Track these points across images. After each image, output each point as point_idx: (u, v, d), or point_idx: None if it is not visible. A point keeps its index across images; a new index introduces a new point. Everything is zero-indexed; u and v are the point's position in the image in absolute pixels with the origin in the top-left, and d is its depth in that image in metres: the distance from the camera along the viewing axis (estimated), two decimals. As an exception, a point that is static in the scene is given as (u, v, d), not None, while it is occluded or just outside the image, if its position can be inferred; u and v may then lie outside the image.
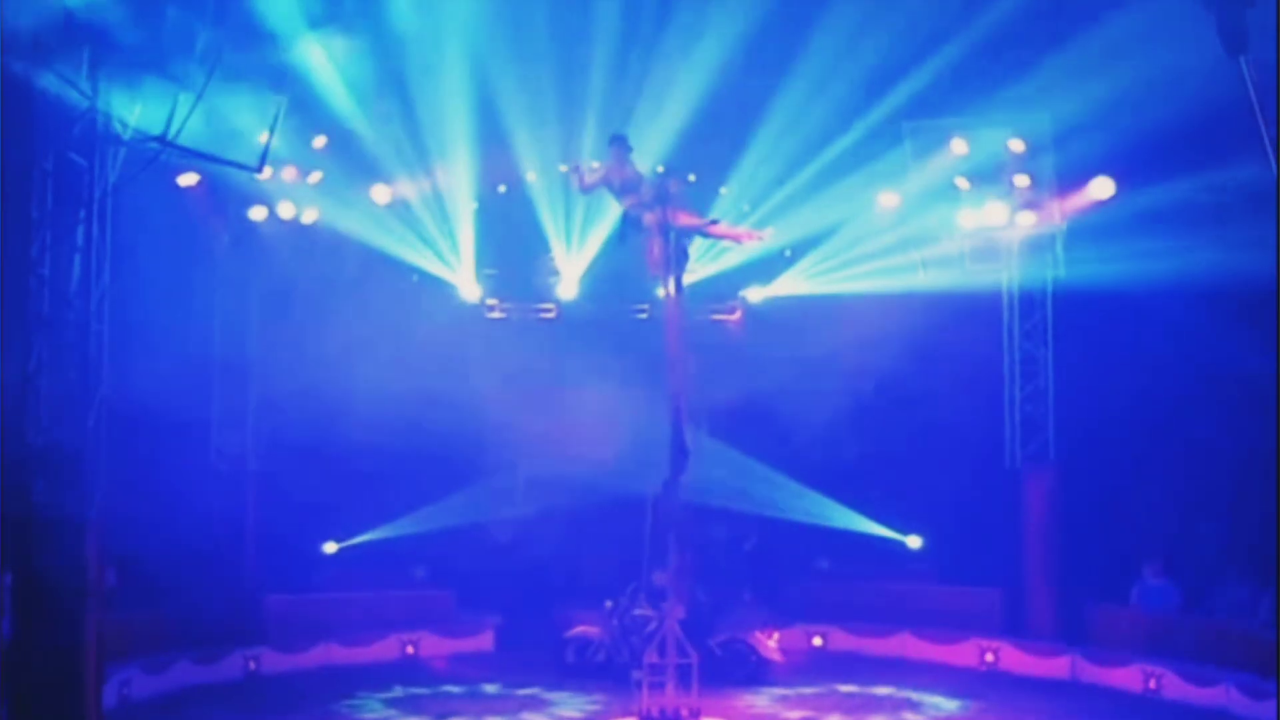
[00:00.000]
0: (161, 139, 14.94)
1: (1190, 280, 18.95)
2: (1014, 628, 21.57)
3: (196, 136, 15.49)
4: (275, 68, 15.88)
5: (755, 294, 23.57)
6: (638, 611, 19.46)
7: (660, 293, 17.90)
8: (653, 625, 18.27)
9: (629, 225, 16.55)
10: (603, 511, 22.21)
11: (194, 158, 16.48)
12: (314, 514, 22.25)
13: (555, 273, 23.16)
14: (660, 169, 16.39)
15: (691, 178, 20.45)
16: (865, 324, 22.08)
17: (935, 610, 22.28)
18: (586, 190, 17.50)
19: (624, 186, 16.67)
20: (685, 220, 16.54)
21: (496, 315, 23.60)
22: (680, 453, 16.90)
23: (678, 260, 16.44)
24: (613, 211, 18.32)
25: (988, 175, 21.16)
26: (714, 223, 17.05)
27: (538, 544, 23.09)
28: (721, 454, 22.53)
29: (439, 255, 22.51)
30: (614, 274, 21.77)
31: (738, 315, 23.75)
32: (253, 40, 15.73)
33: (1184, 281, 19.05)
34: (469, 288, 23.08)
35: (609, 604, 20.03)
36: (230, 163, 16.37)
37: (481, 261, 22.95)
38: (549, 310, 23.61)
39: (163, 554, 19.65)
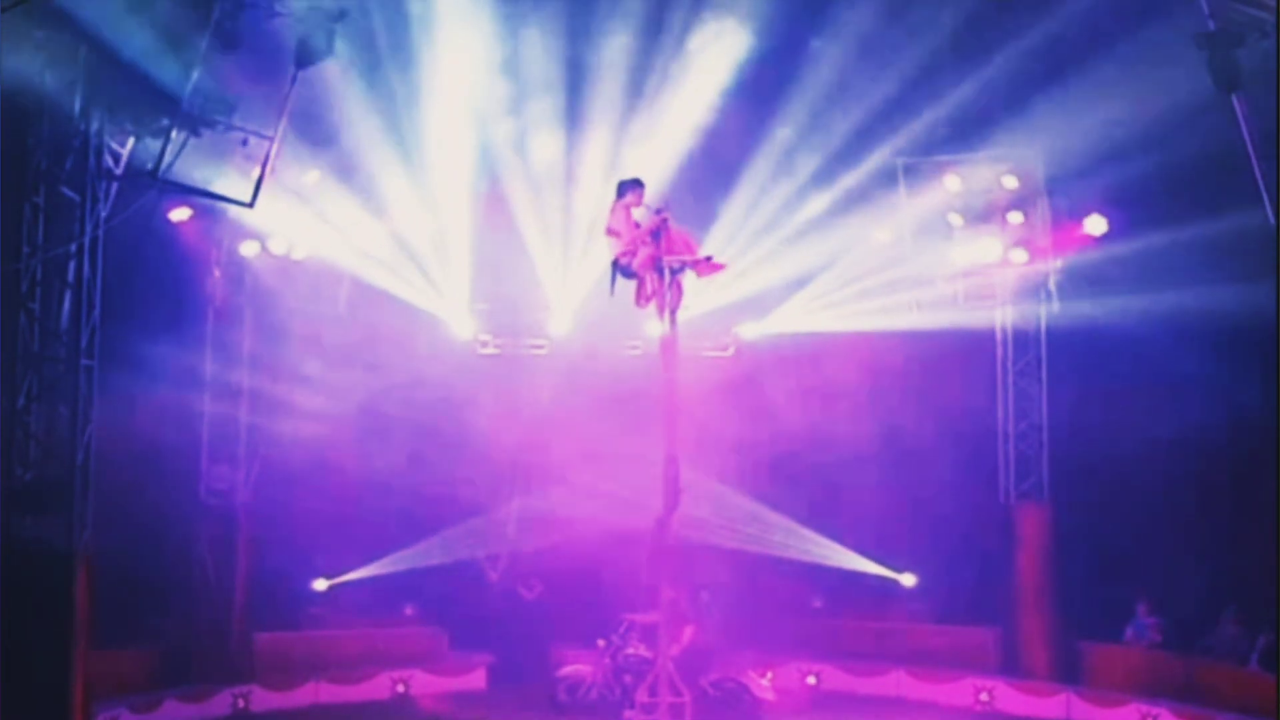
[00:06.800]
0: (154, 174, 14.95)
1: (1184, 318, 18.96)
2: (1009, 666, 21.47)
3: (189, 171, 15.54)
4: (268, 103, 15.88)
5: (749, 330, 23.52)
6: (630, 650, 19.36)
7: (654, 329, 17.86)
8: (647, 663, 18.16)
9: (620, 273, 16.39)
10: (597, 548, 22.05)
11: (186, 192, 16.51)
12: (304, 550, 22.09)
13: (547, 308, 23.13)
14: (654, 206, 16.24)
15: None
16: (858, 360, 22.12)
17: (929, 649, 22.17)
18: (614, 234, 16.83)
19: (628, 234, 16.40)
20: (679, 256, 16.43)
21: (489, 351, 23.51)
22: (673, 489, 16.81)
23: (673, 297, 16.34)
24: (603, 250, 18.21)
25: (981, 212, 21.18)
26: (707, 260, 16.94)
27: (530, 581, 23.02)
28: (714, 490, 22.44)
29: (431, 290, 22.47)
30: (606, 310, 21.71)
31: (731, 351, 23.70)
32: (246, 76, 15.76)
33: (1177, 319, 19.05)
34: (461, 323, 23.03)
35: (602, 642, 19.91)
36: (223, 198, 16.35)
37: (474, 297, 22.90)
38: (541, 346, 23.55)
39: (152, 590, 19.55)
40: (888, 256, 21.83)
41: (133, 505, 18.71)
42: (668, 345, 16.37)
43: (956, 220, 21.29)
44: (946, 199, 21.07)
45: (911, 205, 21.14)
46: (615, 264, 16.27)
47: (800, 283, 22.51)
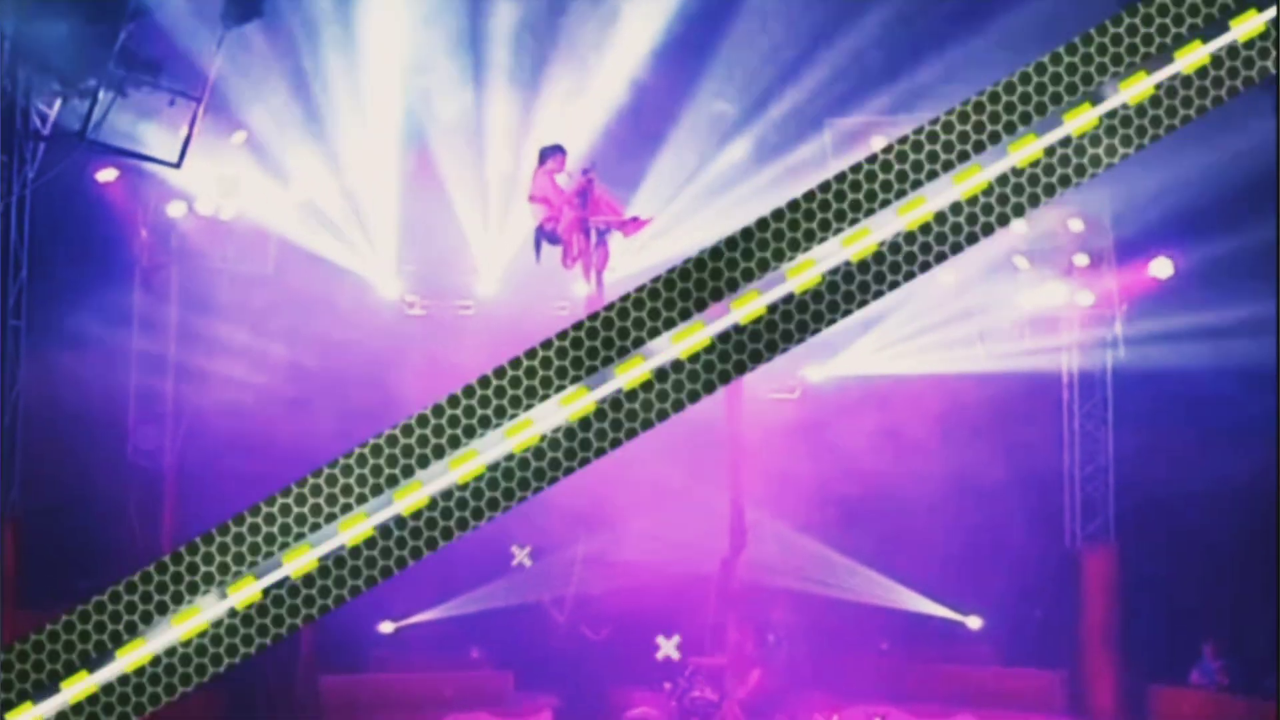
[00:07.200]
0: (81, 135, 15.04)
1: (1250, 361, 18.87)
2: (1075, 709, 21.35)
3: (116, 132, 15.57)
4: (195, 63, 15.99)
5: (815, 372, 23.50)
6: (696, 693, 19.33)
7: (580, 290, 17.97)
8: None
9: (545, 239, 16.54)
10: (663, 590, 22.00)
11: (114, 153, 16.59)
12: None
13: (475, 270, 22.80)
14: (581, 168, 16.34)
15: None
16: (924, 402, 22.08)
17: (995, 692, 21.94)
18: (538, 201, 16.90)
19: (554, 199, 16.52)
20: (604, 217, 16.54)
21: (416, 312, 23.03)
22: (739, 532, 16.89)
23: (599, 258, 16.49)
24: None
25: (1047, 255, 21.17)
26: (634, 220, 17.00)
27: (596, 623, 23.00)
28: (779, 532, 22.41)
29: (358, 251, 22.24)
30: (533, 271, 21.28)
31: (798, 394, 23.64)
32: (172, 36, 15.87)
33: (1243, 362, 18.97)
34: (388, 284, 22.74)
35: (668, 685, 19.88)
36: (150, 158, 16.45)
37: (401, 258, 22.57)
38: (469, 307, 23.04)
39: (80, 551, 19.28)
40: (953, 298, 21.85)
41: (61, 465, 18.50)
42: (594, 303, 16.33)
43: (1022, 263, 21.30)
44: (1012, 241, 21.06)
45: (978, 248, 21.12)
46: (540, 230, 16.46)
47: (867, 325, 22.43)
